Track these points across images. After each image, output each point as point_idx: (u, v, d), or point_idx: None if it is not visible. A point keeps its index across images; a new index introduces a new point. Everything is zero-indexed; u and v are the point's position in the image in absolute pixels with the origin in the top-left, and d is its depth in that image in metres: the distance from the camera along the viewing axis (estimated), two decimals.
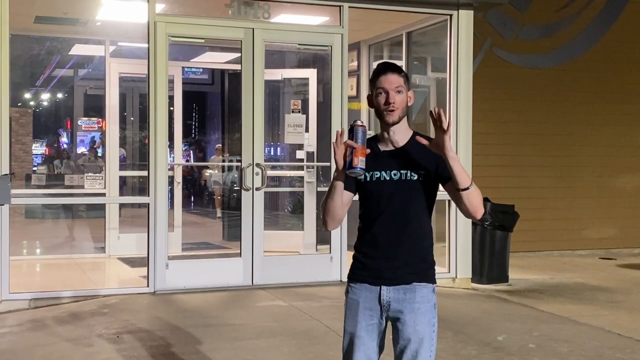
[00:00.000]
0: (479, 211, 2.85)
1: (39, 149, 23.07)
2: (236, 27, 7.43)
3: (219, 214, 14.58)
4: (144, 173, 7.45)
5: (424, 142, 2.82)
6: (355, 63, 9.74)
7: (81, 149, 20.38)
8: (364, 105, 9.59)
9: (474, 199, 2.81)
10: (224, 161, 15.57)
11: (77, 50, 12.33)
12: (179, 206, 10.00)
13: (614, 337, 5.81)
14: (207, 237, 11.22)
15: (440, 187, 2.95)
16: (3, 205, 6.47)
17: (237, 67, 8.42)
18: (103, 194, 9.20)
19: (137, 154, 16.85)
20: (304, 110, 9.36)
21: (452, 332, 5.69)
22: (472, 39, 7.98)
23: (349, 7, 7.60)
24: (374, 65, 9.89)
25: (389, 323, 3.00)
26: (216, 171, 16.53)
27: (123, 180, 12.31)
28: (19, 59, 15.67)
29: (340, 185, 2.88)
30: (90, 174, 9.88)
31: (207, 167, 19.26)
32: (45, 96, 24.39)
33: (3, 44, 6.48)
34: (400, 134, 2.93)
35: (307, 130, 9.15)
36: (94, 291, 7.01)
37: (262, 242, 7.41)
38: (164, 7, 7.33)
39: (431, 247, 3.01)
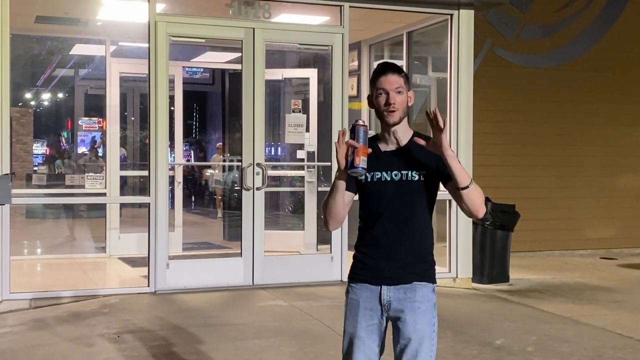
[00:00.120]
0: (480, 210, 2.85)
1: (39, 148, 23.07)
2: (237, 26, 7.43)
3: (219, 214, 14.59)
4: (145, 173, 7.45)
5: (422, 142, 2.82)
6: (355, 63, 9.74)
7: (82, 149, 20.38)
8: (364, 105, 9.59)
9: (475, 197, 2.81)
10: (224, 161, 15.56)
11: (78, 50, 12.33)
12: (179, 206, 10.00)
13: (615, 337, 5.81)
14: (207, 237, 11.23)
15: (441, 187, 2.95)
16: (4, 205, 6.47)
17: (237, 66, 8.41)
18: (104, 194, 9.20)
19: (138, 154, 16.85)
20: (305, 110, 9.36)
21: (453, 332, 5.68)
22: (472, 39, 7.97)
23: (350, 6, 7.59)
24: (375, 65, 9.89)
25: (389, 325, 3.00)
26: (217, 171, 16.54)
27: (124, 180, 12.30)
28: (19, 59, 15.68)
29: (342, 185, 2.88)
30: (90, 174, 9.88)
31: (207, 167, 19.27)
32: (46, 96, 24.40)
33: (4, 43, 6.48)
34: (401, 134, 2.93)
35: (307, 130, 9.15)
36: (94, 291, 7.01)
37: (262, 242, 7.41)
38: (164, 6, 7.32)
39: (432, 247, 3.02)
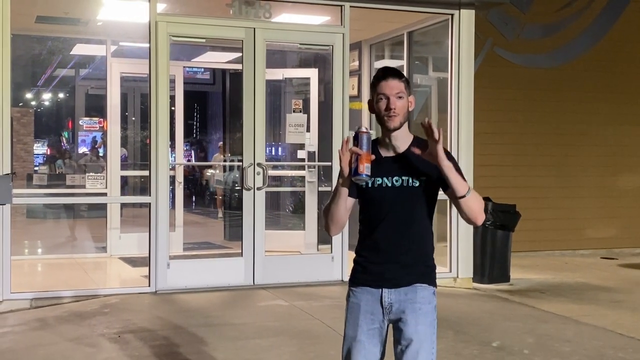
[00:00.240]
0: (479, 217, 2.88)
1: (40, 148, 23.09)
2: (237, 26, 7.43)
3: (220, 213, 14.59)
4: (146, 173, 7.46)
5: (417, 151, 2.82)
6: (356, 63, 9.74)
7: (82, 149, 20.39)
8: (365, 104, 9.59)
9: (473, 205, 2.83)
10: (225, 161, 15.57)
11: (79, 50, 12.33)
12: (180, 206, 10.00)
13: (616, 337, 5.81)
14: (208, 237, 11.23)
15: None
16: (4, 204, 6.47)
17: (238, 66, 8.41)
18: (104, 194, 9.20)
19: (139, 154, 16.85)
20: (305, 109, 9.36)
21: (454, 331, 5.68)
22: (473, 39, 7.97)
23: (350, 6, 7.59)
24: (376, 65, 9.90)
25: (390, 329, 2.99)
26: (217, 171, 16.54)
27: (124, 180, 12.31)
28: (20, 59, 15.69)
29: (345, 191, 2.88)
30: (91, 174, 9.88)
31: (208, 167, 19.27)
32: (46, 96, 24.41)
33: (4, 43, 6.49)
34: (401, 140, 2.93)
35: (308, 130, 9.15)
36: (95, 291, 7.02)
37: (263, 241, 7.41)
38: (165, 6, 7.33)
39: (432, 252, 3.02)
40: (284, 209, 11.38)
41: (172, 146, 9.51)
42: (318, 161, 9.15)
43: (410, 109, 2.94)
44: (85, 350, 5.18)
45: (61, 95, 24.53)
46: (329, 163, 7.73)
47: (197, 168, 21.29)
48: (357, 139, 2.77)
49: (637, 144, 11.12)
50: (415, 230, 2.93)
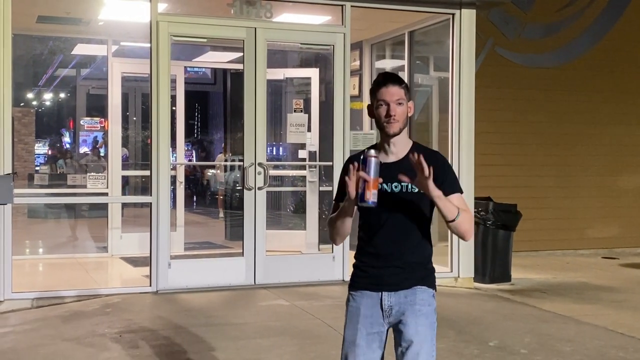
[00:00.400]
0: (467, 236, 2.95)
1: (41, 148, 23.10)
2: (238, 26, 7.43)
3: (221, 213, 14.60)
4: (147, 173, 7.47)
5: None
6: (357, 62, 9.74)
7: (84, 149, 20.40)
8: (366, 104, 9.59)
9: (461, 226, 2.89)
10: (226, 160, 15.57)
11: (80, 50, 12.33)
12: (181, 206, 10.01)
13: (617, 337, 5.80)
14: (209, 237, 11.23)
15: None
16: (6, 204, 6.48)
17: (239, 66, 8.42)
18: (105, 194, 9.20)
19: (140, 154, 16.86)
20: (306, 109, 9.36)
21: (455, 331, 5.68)
22: (474, 38, 7.97)
23: (351, 6, 7.59)
24: (377, 64, 9.90)
25: (390, 334, 2.99)
26: (218, 171, 16.55)
27: (125, 180, 12.32)
28: (21, 59, 15.71)
29: (351, 211, 2.89)
30: (92, 174, 9.88)
31: (209, 167, 19.27)
32: (47, 96, 24.43)
33: (5, 43, 6.49)
34: (401, 145, 2.95)
35: (309, 129, 9.16)
36: (96, 291, 7.02)
37: (264, 241, 7.41)
38: (166, 6, 7.33)
39: (431, 256, 3.04)
40: (285, 208, 11.38)
41: (173, 146, 9.50)
42: (319, 161, 9.14)
43: (409, 115, 2.96)
44: (86, 350, 5.19)
45: (62, 95, 24.54)
46: (330, 163, 7.73)
47: (198, 168, 21.30)
48: (365, 163, 2.76)
49: (638, 143, 11.11)
50: (415, 235, 2.95)
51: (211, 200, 18.02)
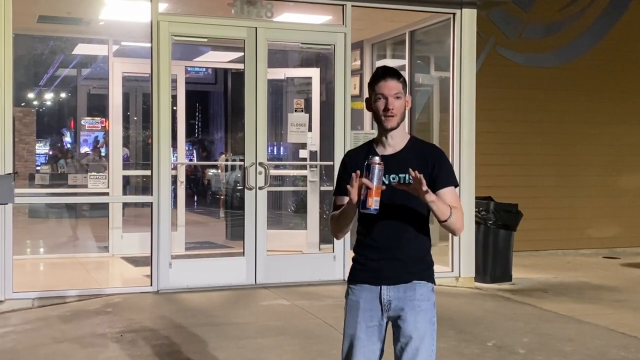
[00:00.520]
0: (457, 232, 3.00)
1: (42, 148, 23.11)
2: (239, 26, 7.43)
3: (222, 213, 14.61)
4: (148, 172, 7.46)
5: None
6: (358, 62, 9.74)
7: (84, 149, 20.41)
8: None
9: (453, 225, 2.93)
10: (227, 160, 15.58)
11: (80, 49, 12.34)
12: (182, 205, 10.01)
13: (618, 336, 5.80)
14: (210, 237, 11.23)
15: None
16: (7, 204, 6.48)
17: (240, 66, 8.42)
18: (106, 194, 9.20)
19: (141, 154, 16.87)
20: (307, 109, 9.36)
21: (456, 331, 5.68)
22: (475, 38, 7.97)
23: (352, 6, 7.59)
24: (377, 64, 9.90)
25: (389, 327, 3.01)
26: (219, 170, 16.55)
27: (126, 180, 12.32)
28: (22, 59, 15.71)
29: (352, 213, 2.92)
30: (93, 174, 9.88)
31: (210, 167, 19.27)
32: (48, 96, 24.43)
33: (6, 43, 6.49)
34: (398, 138, 3.00)
35: (310, 129, 9.16)
36: (97, 290, 7.02)
37: (265, 241, 7.42)
38: (167, 6, 7.33)
39: (429, 248, 3.06)
40: (286, 208, 11.38)
41: (174, 146, 9.50)
42: (320, 161, 9.14)
43: (407, 108, 3.00)
44: (87, 349, 5.19)
45: (63, 95, 24.55)
46: (331, 162, 7.73)
47: (199, 167, 21.30)
48: (368, 170, 2.76)
49: (639, 143, 11.11)
50: (413, 226, 2.97)
51: (212, 200, 18.02)
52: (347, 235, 7.37)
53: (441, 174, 2.95)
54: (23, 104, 21.24)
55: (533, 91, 10.41)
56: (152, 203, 7.05)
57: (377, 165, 2.76)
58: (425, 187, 2.75)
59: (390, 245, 2.94)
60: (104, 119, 18.14)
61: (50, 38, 15.13)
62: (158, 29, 7.03)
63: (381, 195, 2.77)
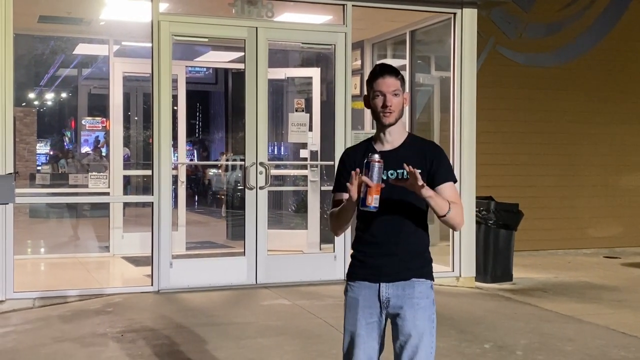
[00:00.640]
0: (457, 227, 3.02)
1: (43, 148, 23.11)
2: (240, 26, 7.43)
3: (222, 213, 14.61)
4: (148, 172, 7.46)
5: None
6: (358, 62, 9.74)
7: (85, 149, 20.41)
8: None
9: (452, 220, 2.95)
10: (227, 160, 15.58)
11: (81, 49, 12.35)
12: (182, 205, 10.01)
13: (619, 336, 5.80)
14: (211, 236, 11.24)
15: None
16: (7, 204, 6.48)
17: (240, 66, 8.42)
18: (107, 193, 9.21)
19: (141, 153, 16.87)
20: (308, 109, 9.36)
21: (456, 330, 5.68)
22: (475, 38, 7.97)
23: (353, 5, 7.59)
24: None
25: (389, 322, 3.03)
26: (220, 170, 16.56)
27: (127, 180, 12.33)
28: (23, 59, 15.71)
29: (352, 211, 2.93)
30: (94, 173, 9.89)
31: (210, 166, 19.27)
32: (49, 96, 24.43)
33: (7, 43, 6.50)
34: (396, 135, 3.02)
35: (310, 129, 9.16)
36: (98, 290, 7.03)
37: (265, 241, 7.42)
38: (167, 6, 7.33)
39: (428, 245, 3.08)
40: (287, 208, 11.38)
41: (175, 145, 9.51)
42: (320, 160, 9.15)
43: (405, 106, 3.02)
44: (88, 349, 5.19)
45: (64, 94, 24.55)
46: (332, 162, 7.73)
47: (200, 167, 21.31)
48: (368, 168, 2.78)
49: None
50: (412, 222, 2.99)
51: (212, 199, 18.02)
52: (348, 235, 7.40)
53: (440, 170, 2.98)
54: (24, 104, 21.24)
55: (533, 91, 10.41)
56: (152, 203, 7.06)
57: (376, 163, 2.77)
58: (421, 182, 2.77)
59: (389, 240, 2.96)
60: (104, 119, 18.14)
61: (50, 38, 15.14)
62: (159, 29, 7.03)
63: (380, 193, 2.79)
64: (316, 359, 5.01)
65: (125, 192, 11.42)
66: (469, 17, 7.88)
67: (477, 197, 7.96)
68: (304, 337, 5.49)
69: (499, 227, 8.20)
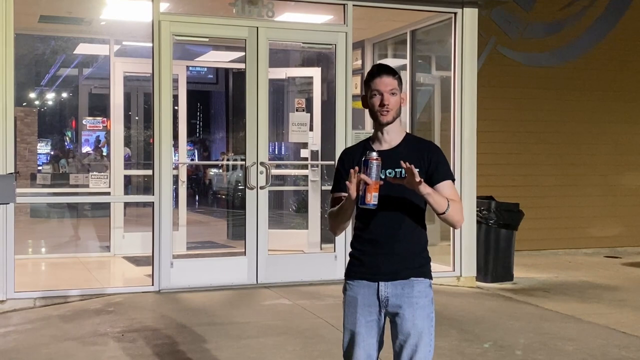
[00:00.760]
0: (457, 225, 3.05)
1: (43, 148, 23.12)
2: (240, 25, 7.43)
3: (223, 212, 14.61)
4: (149, 172, 7.47)
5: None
6: (359, 62, 9.73)
7: (86, 148, 20.42)
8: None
9: (452, 218, 2.97)
10: (228, 160, 15.59)
11: (82, 49, 12.34)
12: (183, 205, 10.02)
13: (619, 335, 5.80)
14: (211, 236, 11.24)
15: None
16: (8, 204, 6.48)
17: (241, 66, 8.42)
18: (108, 193, 9.22)
19: (142, 153, 16.86)
20: (308, 108, 9.36)
21: (457, 330, 5.68)
22: (476, 37, 7.97)
23: (353, 5, 7.59)
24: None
25: (388, 320, 3.05)
26: (220, 170, 16.57)
27: (128, 179, 12.33)
28: (23, 59, 15.70)
29: (351, 209, 2.95)
30: (95, 173, 9.89)
31: (211, 166, 19.28)
32: (50, 95, 24.44)
33: (8, 43, 6.50)
34: (394, 134, 3.04)
35: (311, 129, 9.16)
36: (99, 290, 7.03)
37: (266, 240, 7.42)
38: (168, 6, 7.33)
39: (426, 244, 3.09)
40: (287, 208, 11.38)
41: (175, 145, 9.51)
42: (321, 160, 9.15)
43: (402, 105, 3.04)
44: (89, 349, 5.19)
45: (64, 94, 24.56)
46: (332, 162, 7.73)
47: (201, 167, 21.32)
48: (366, 166, 2.79)
49: None
50: (410, 221, 3.00)
51: (213, 199, 18.03)
52: (349, 235, 7.39)
53: (438, 168, 3.00)
54: (24, 103, 21.25)
55: (534, 90, 10.41)
56: (153, 203, 7.06)
57: (374, 161, 2.79)
58: (418, 178, 2.78)
59: (388, 239, 2.97)
60: (105, 119, 18.14)
61: (51, 38, 15.13)
62: (159, 29, 7.03)
63: (379, 190, 2.79)
64: (317, 358, 5.01)
65: (126, 192, 11.42)
66: (469, 16, 7.87)
67: (477, 197, 7.96)
68: (305, 337, 5.49)
69: (499, 226, 8.20)
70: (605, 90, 10.81)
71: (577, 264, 9.66)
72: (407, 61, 8.95)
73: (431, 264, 3.10)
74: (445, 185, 2.99)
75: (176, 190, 9.52)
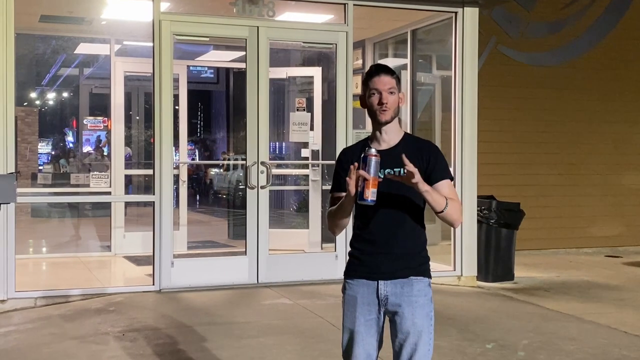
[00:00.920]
0: (456, 224, 3.05)
1: (44, 148, 23.13)
2: (241, 25, 7.43)
3: (224, 212, 14.61)
4: (150, 172, 7.47)
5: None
6: (360, 61, 9.73)
7: (87, 148, 20.43)
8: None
9: (450, 216, 2.97)
10: (228, 159, 15.59)
11: (83, 49, 12.34)
12: (184, 205, 10.02)
13: (620, 335, 5.80)
14: (212, 236, 11.24)
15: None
16: (9, 203, 6.48)
17: (242, 65, 8.42)
18: (108, 193, 9.22)
19: (143, 153, 16.87)
20: (309, 108, 9.36)
21: (458, 330, 5.68)
22: (477, 37, 7.96)
23: (354, 4, 7.59)
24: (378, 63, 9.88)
25: (387, 319, 3.05)
26: (221, 170, 16.57)
27: (129, 179, 12.33)
28: (24, 58, 15.73)
29: (350, 207, 2.96)
30: (95, 173, 9.89)
31: (212, 166, 19.29)
32: (50, 95, 24.46)
33: (8, 43, 6.50)
34: (392, 133, 3.04)
35: (312, 128, 9.16)
36: (99, 289, 7.03)
37: (267, 240, 7.42)
38: (168, 5, 7.34)
39: (425, 243, 3.09)
40: (288, 207, 11.38)
41: (176, 145, 9.51)
42: (322, 160, 9.15)
43: (400, 105, 3.05)
44: (89, 348, 5.20)
45: (65, 94, 24.58)
46: (333, 162, 7.71)
47: (201, 167, 21.33)
48: (365, 162, 2.80)
49: None
50: (409, 220, 3.01)
51: (214, 199, 18.03)
52: (349, 235, 7.39)
53: (436, 168, 3.00)
54: (25, 103, 21.27)
55: (535, 90, 10.41)
56: (154, 202, 7.06)
57: (373, 157, 2.80)
58: (417, 176, 2.79)
59: (387, 238, 2.98)
60: (106, 119, 18.15)
61: (52, 37, 15.14)
62: (160, 28, 7.03)
63: (378, 187, 2.80)
64: (317, 358, 5.01)
65: (127, 192, 11.42)
66: (470, 16, 7.87)
67: (478, 196, 7.96)
68: (306, 337, 5.49)
69: (500, 226, 8.20)
70: (606, 90, 10.80)
71: (577, 263, 9.66)
72: (407, 61, 8.95)
73: (432, 263, 3.11)
74: (443, 185, 3.00)
75: (177, 190, 9.53)
